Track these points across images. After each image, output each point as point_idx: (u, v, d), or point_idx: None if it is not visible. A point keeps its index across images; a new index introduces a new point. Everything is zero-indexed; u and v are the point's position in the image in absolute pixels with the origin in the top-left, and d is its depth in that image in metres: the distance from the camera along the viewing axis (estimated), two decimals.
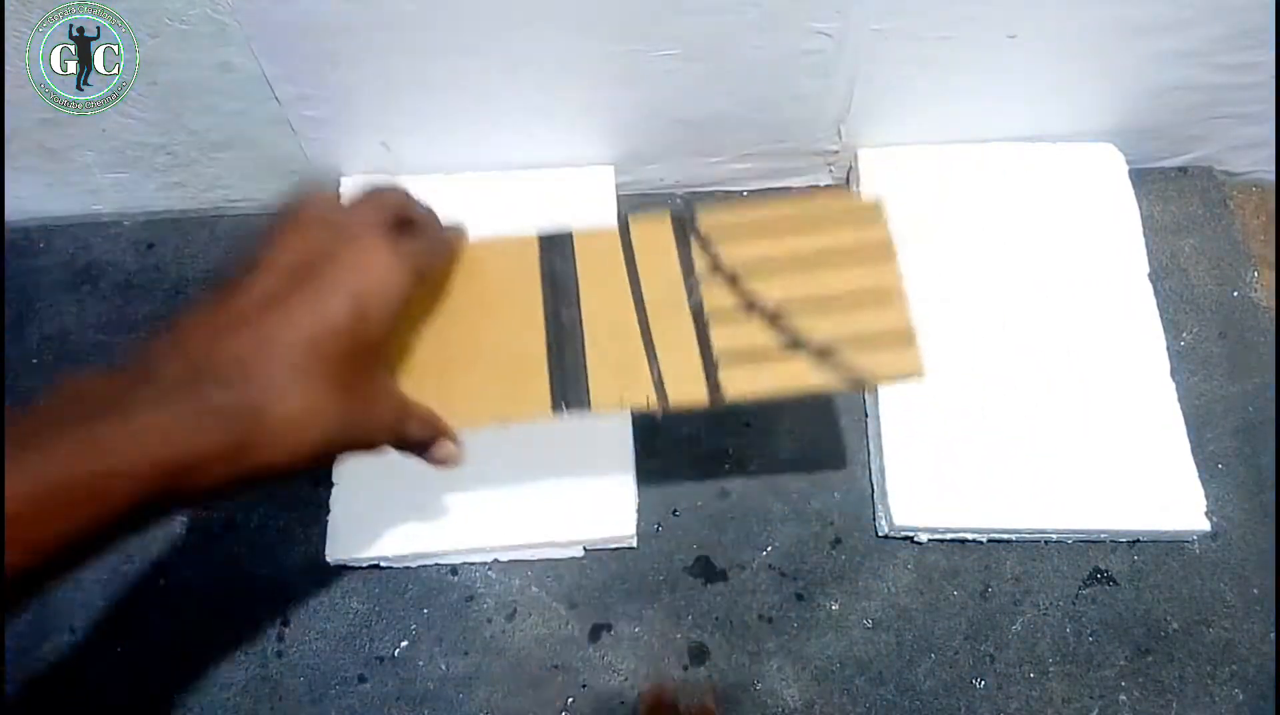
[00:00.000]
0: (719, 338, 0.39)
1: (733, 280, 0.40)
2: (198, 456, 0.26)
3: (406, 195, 0.35)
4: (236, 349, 0.28)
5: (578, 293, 0.40)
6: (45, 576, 0.25)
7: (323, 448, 0.29)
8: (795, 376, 0.38)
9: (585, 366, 0.38)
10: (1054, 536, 0.48)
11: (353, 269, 0.29)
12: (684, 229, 0.41)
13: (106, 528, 0.25)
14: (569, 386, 0.38)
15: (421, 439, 0.34)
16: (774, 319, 0.39)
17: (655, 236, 0.41)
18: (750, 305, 0.40)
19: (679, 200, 0.59)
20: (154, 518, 0.27)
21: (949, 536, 0.48)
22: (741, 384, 0.38)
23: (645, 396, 0.38)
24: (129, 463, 0.25)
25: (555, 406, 0.38)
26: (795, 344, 0.39)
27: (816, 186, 0.59)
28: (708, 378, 0.38)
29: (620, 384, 0.38)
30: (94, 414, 0.25)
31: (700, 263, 0.40)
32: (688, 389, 0.38)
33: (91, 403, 0.26)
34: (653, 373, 0.38)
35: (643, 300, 0.40)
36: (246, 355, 0.27)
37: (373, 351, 0.31)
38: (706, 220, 0.41)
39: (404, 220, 0.34)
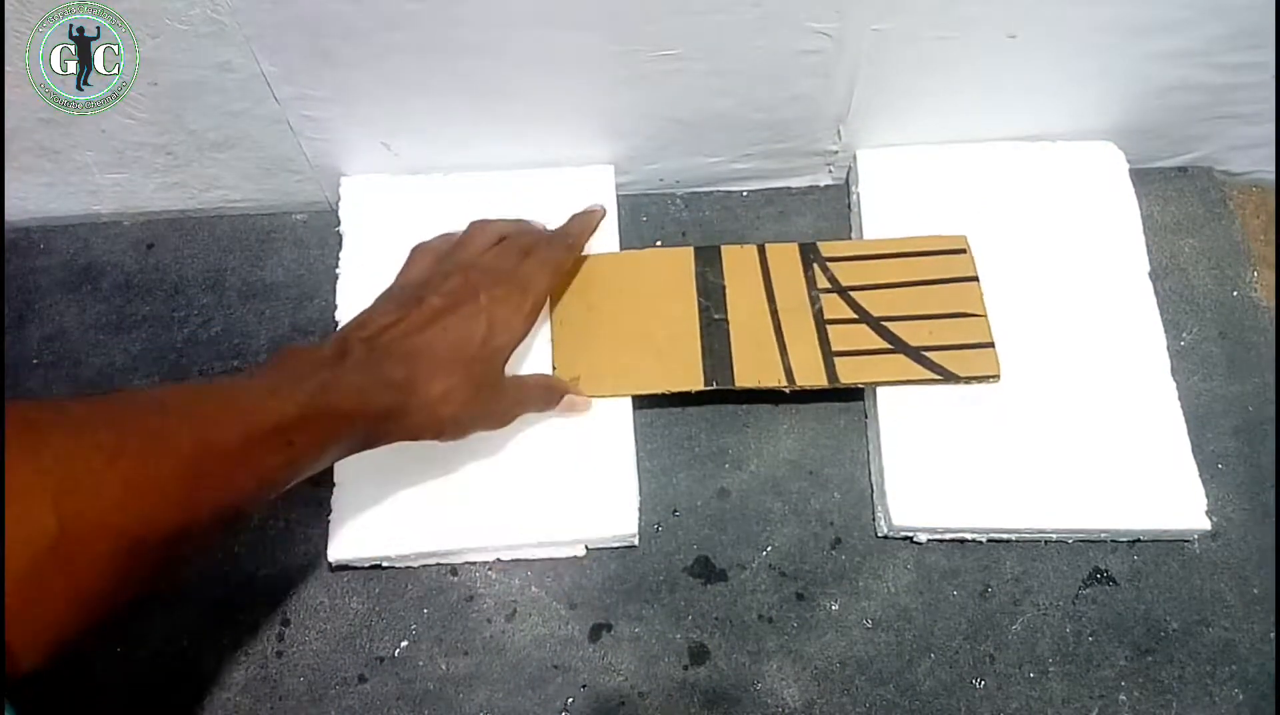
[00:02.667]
0: (835, 338, 0.50)
1: (847, 296, 0.51)
2: (378, 410, 0.37)
3: (527, 230, 0.49)
4: (409, 345, 0.40)
5: (725, 297, 0.51)
6: (291, 478, 0.35)
7: (453, 421, 0.41)
8: (894, 370, 0.49)
9: (731, 353, 0.50)
10: (1054, 536, 0.48)
11: (490, 306, 0.42)
12: (809, 255, 0.52)
13: (330, 449, 0.36)
14: (717, 367, 0.49)
15: (542, 406, 0.47)
16: (878, 326, 0.50)
17: (787, 259, 0.52)
18: (861, 315, 0.50)
19: (679, 200, 0.59)
20: (345, 452, 0.37)
21: (948, 537, 0.48)
22: (852, 373, 0.49)
23: (777, 378, 0.49)
24: (345, 407, 0.36)
25: (707, 382, 0.49)
26: (895, 345, 0.49)
27: (816, 187, 0.59)
28: (826, 366, 0.49)
29: (757, 368, 0.49)
30: (318, 373, 0.36)
31: (821, 281, 0.52)
32: (810, 374, 0.49)
33: (313, 365, 0.37)
34: (783, 361, 0.49)
35: (776, 306, 0.51)
36: (414, 350, 0.40)
37: (496, 363, 0.42)
38: (828, 250, 0.52)
39: (526, 249, 0.46)
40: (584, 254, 0.53)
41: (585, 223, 0.51)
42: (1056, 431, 0.48)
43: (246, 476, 0.33)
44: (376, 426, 0.38)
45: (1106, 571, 0.48)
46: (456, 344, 0.40)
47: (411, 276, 0.46)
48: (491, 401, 0.43)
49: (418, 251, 0.47)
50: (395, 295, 0.44)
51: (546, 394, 0.47)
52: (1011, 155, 0.56)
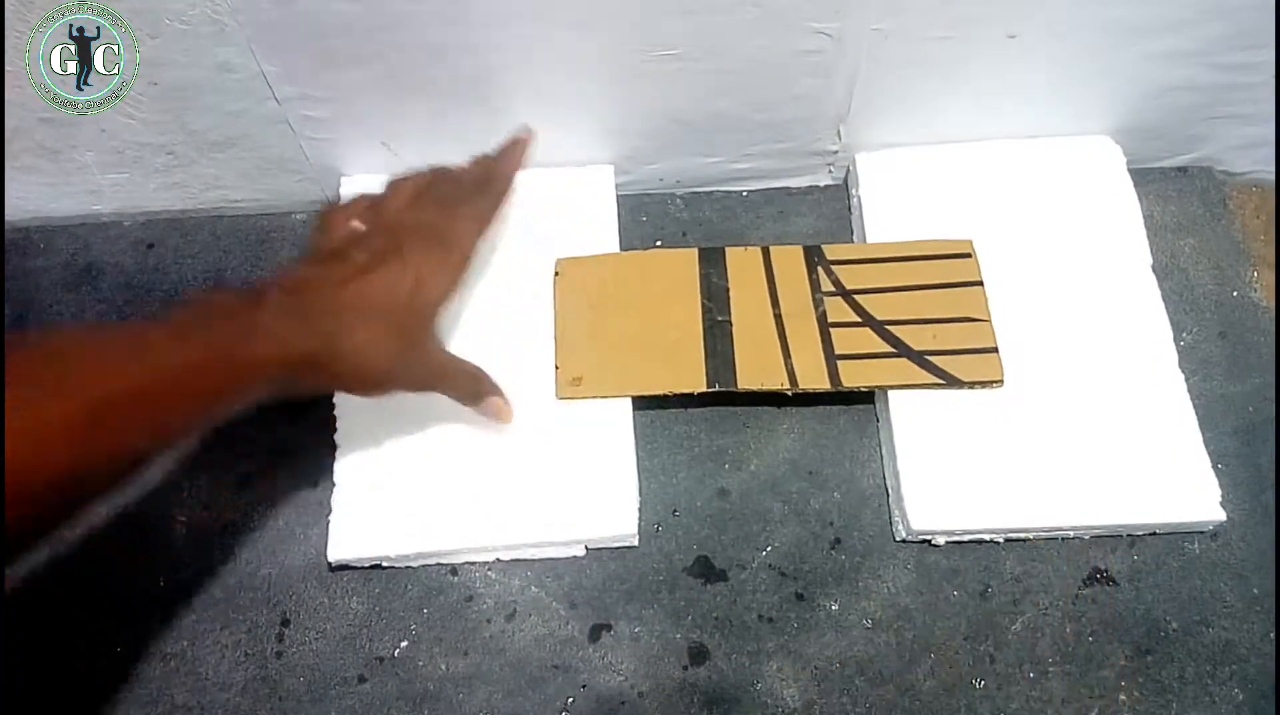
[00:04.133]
0: (838, 341, 0.50)
1: (851, 299, 0.51)
2: (300, 356, 0.37)
3: (445, 178, 0.46)
4: (335, 297, 0.39)
5: (729, 299, 0.51)
6: (194, 427, 0.36)
7: (376, 372, 0.40)
8: (897, 373, 0.49)
9: (734, 355, 0.49)
10: (1070, 534, 0.48)
11: (417, 261, 0.41)
12: (814, 258, 0.52)
13: (238, 396, 0.36)
14: (720, 370, 0.49)
15: (465, 393, 0.46)
16: (882, 329, 0.50)
17: (791, 262, 0.52)
18: (864, 318, 0.50)
19: (679, 200, 0.59)
20: (261, 398, 0.37)
21: (967, 538, 0.48)
22: (855, 376, 0.49)
23: (780, 381, 0.49)
24: (259, 352, 0.36)
25: (709, 384, 0.49)
26: (899, 349, 0.49)
27: (816, 187, 0.59)
28: (829, 370, 0.49)
29: (760, 370, 0.49)
30: (231, 318, 0.36)
31: (826, 284, 0.51)
32: (813, 376, 0.49)
33: (226, 310, 0.36)
34: (786, 363, 0.49)
35: (780, 309, 0.51)
36: (340, 301, 0.39)
37: (424, 318, 0.42)
38: (832, 253, 0.52)
39: (448, 201, 0.45)
40: (586, 255, 0.53)
41: (509, 162, 0.49)
42: (1069, 428, 0.48)
43: (145, 423, 0.33)
44: (296, 373, 0.38)
45: (1106, 571, 0.48)
46: (383, 297, 0.40)
47: (329, 237, 0.44)
48: (417, 360, 0.43)
49: (332, 212, 0.45)
50: (314, 254, 0.43)
51: (473, 384, 0.46)
52: (1006, 152, 0.56)
